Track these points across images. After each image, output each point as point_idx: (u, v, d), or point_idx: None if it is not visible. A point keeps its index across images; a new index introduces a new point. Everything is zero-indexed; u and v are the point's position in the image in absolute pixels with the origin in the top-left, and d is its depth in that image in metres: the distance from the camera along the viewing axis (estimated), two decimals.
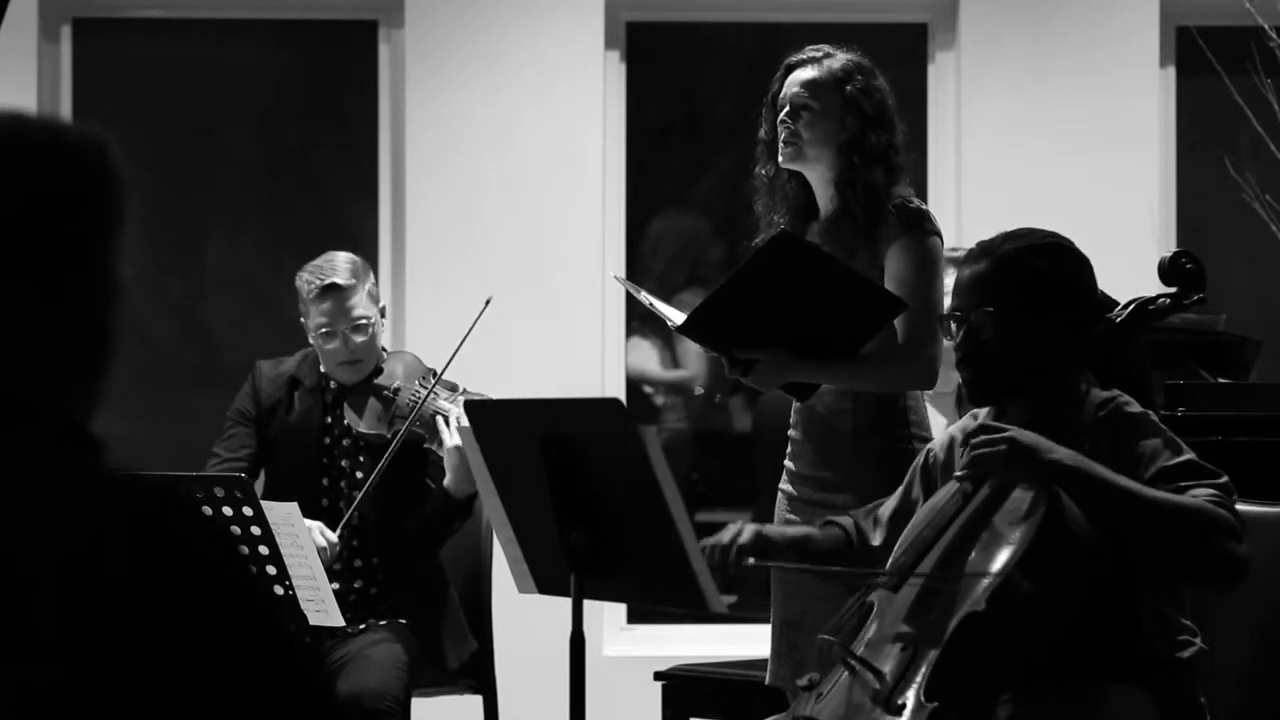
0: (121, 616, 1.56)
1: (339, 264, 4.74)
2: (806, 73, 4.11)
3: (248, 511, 4.31)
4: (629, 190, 6.66)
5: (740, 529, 3.42)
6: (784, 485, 4.15)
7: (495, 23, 6.49)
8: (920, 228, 4.02)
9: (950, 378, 5.28)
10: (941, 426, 5.22)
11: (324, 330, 4.71)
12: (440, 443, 4.63)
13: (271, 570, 4.37)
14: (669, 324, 4.06)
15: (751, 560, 3.37)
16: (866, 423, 4.03)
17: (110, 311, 1.70)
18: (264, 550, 4.34)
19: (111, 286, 1.70)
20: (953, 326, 3.33)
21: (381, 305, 4.81)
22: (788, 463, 4.15)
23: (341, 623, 4.46)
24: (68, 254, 1.68)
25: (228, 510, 4.31)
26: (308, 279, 4.74)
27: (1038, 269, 3.28)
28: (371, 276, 4.79)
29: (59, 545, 1.58)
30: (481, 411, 3.49)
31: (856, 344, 3.95)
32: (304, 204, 6.88)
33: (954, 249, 5.39)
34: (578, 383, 6.32)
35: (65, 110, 6.62)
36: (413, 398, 4.69)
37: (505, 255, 6.43)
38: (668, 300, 4.28)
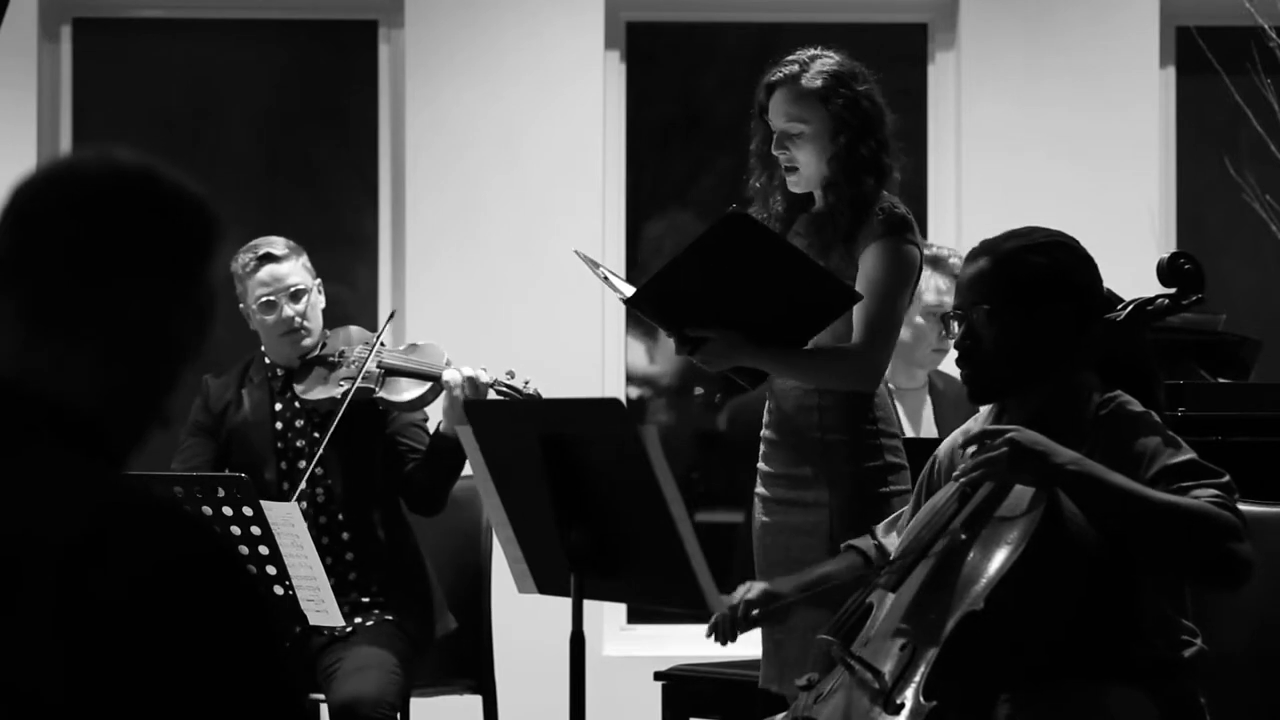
0: (116, 630, 1.56)
1: (272, 239, 4.85)
2: (788, 94, 4.08)
3: (248, 511, 4.31)
4: (629, 190, 6.66)
5: (749, 588, 3.47)
6: (758, 488, 4.16)
7: (495, 23, 6.49)
8: (900, 234, 4.01)
9: (916, 374, 5.30)
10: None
11: (263, 299, 4.78)
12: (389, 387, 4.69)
13: (271, 570, 4.36)
14: (619, 297, 4.04)
15: (756, 612, 3.44)
16: (833, 420, 4.02)
17: (175, 339, 1.73)
18: (264, 550, 4.34)
19: (185, 321, 1.74)
20: (954, 325, 3.33)
21: (318, 281, 4.87)
22: (761, 464, 4.16)
23: (341, 622, 4.46)
24: (146, 285, 1.71)
25: (227, 510, 4.31)
26: (242, 256, 4.83)
27: (1035, 266, 3.28)
28: (304, 255, 4.86)
29: (59, 552, 1.58)
30: (481, 411, 3.49)
31: (808, 333, 3.95)
32: (304, 204, 6.88)
33: (940, 248, 5.38)
34: (578, 383, 6.32)
35: (65, 110, 6.62)
36: (359, 355, 4.75)
37: (505, 255, 6.43)
38: None
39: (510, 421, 3.42)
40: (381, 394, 4.69)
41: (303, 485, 4.64)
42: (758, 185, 4.18)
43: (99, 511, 1.61)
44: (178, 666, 1.57)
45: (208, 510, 4.30)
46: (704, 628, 3.50)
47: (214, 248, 1.76)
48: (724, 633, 3.46)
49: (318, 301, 4.84)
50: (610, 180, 6.58)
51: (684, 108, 7.11)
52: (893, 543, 3.48)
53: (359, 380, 4.66)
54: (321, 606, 4.40)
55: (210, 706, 1.59)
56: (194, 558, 1.61)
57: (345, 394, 4.67)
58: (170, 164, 1.77)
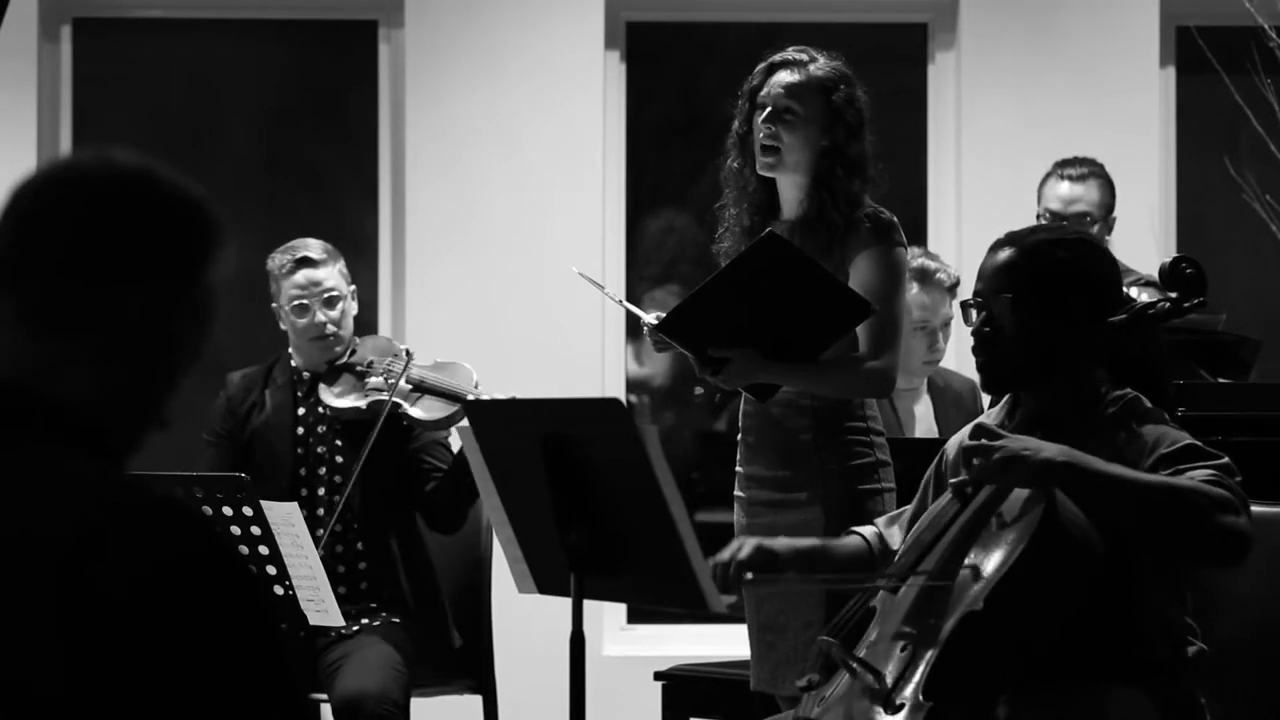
0: (117, 629, 1.56)
1: (310, 242, 4.87)
2: (790, 76, 4.10)
3: (248, 511, 4.31)
4: (629, 190, 6.66)
5: (741, 544, 3.40)
6: (738, 491, 4.17)
7: (495, 23, 6.49)
8: (889, 239, 4.06)
9: (911, 379, 5.29)
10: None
11: (297, 302, 4.78)
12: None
13: (271, 570, 4.36)
14: (644, 323, 4.05)
15: (750, 575, 3.34)
16: (824, 420, 4.05)
17: (174, 340, 1.74)
18: (264, 550, 4.34)
19: (185, 319, 1.75)
20: (972, 313, 3.33)
21: (352, 288, 4.87)
22: (740, 468, 4.17)
23: (342, 623, 4.46)
24: (145, 285, 1.72)
25: (228, 510, 4.31)
26: (280, 257, 4.85)
27: (1060, 260, 3.29)
28: (342, 261, 4.88)
29: (60, 551, 1.58)
30: (481, 411, 3.49)
31: (821, 346, 3.97)
32: (304, 204, 6.88)
33: (928, 261, 5.34)
34: (578, 383, 6.32)
35: (65, 110, 6.62)
36: (389, 368, 4.72)
37: (505, 255, 6.43)
38: (658, 298, 4.29)
39: (510, 421, 3.42)
40: (409, 410, 4.68)
41: (340, 506, 4.63)
42: (735, 167, 4.19)
43: (99, 510, 1.61)
44: (178, 666, 1.57)
45: (208, 510, 4.30)
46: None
47: (213, 248, 1.77)
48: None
49: (350, 309, 4.85)
50: (610, 180, 6.58)
51: (684, 108, 7.11)
52: (894, 535, 3.48)
53: (392, 395, 4.65)
54: (321, 606, 4.40)
55: (211, 705, 1.59)
56: (194, 557, 1.61)
57: (376, 407, 4.65)
58: (170, 164, 1.77)
